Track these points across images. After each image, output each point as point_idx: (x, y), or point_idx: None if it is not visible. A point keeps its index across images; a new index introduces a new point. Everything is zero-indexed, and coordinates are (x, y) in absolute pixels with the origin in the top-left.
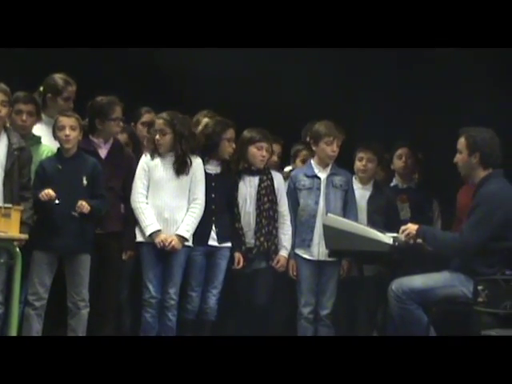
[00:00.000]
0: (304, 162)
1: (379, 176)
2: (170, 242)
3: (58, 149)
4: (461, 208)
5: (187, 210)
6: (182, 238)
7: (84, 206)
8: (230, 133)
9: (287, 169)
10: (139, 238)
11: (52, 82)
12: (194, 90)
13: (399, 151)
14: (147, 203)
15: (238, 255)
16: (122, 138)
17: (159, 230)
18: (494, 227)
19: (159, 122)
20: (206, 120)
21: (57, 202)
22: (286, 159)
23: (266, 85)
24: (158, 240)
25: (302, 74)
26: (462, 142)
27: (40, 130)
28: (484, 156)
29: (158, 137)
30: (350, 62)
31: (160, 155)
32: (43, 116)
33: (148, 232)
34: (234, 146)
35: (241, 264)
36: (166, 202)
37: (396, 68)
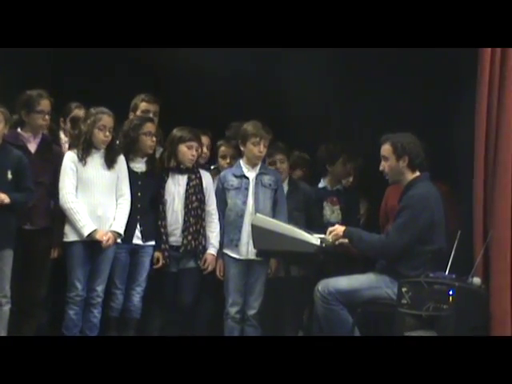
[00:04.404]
0: (224, 157)
1: (296, 175)
2: (108, 240)
3: None
4: (388, 207)
5: (116, 207)
6: (117, 234)
7: (1, 196)
8: (147, 127)
9: (212, 167)
10: (72, 238)
11: None
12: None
13: (344, 157)
14: (78, 202)
15: (157, 254)
16: None
17: (95, 230)
18: (419, 230)
19: (110, 120)
20: (143, 104)
21: None
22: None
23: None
24: (97, 238)
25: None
26: (387, 149)
27: None
28: (412, 159)
29: (107, 133)
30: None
31: (90, 153)
32: None
33: (86, 233)
34: (154, 139)
35: (160, 263)
36: (99, 199)
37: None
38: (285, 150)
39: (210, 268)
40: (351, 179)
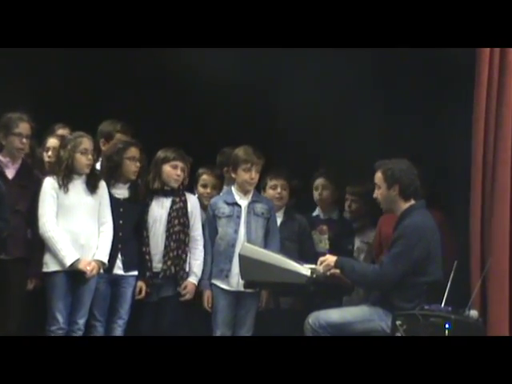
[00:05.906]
0: (204, 186)
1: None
2: (92, 270)
3: None
4: (382, 236)
5: (98, 235)
6: (102, 264)
7: None
8: (131, 152)
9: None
10: (52, 268)
11: None
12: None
13: (317, 182)
14: (60, 231)
15: (139, 284)
16: None
17: (78, 259)
18: (414, 261)
19: (90, 143)
20: (117, 136)
21: None
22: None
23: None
24: (80, 268)
25: None
26: (379, 177)
27: None
28: (403, 187)
29: (89, 156)
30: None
31: (71, 179)
32: None
33: (68, 263)
34: (138, 164)
35: (143, 293)
36: (81, 226)
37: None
38: (289, 177)
39: (188, 296)
40: (348, 206)
